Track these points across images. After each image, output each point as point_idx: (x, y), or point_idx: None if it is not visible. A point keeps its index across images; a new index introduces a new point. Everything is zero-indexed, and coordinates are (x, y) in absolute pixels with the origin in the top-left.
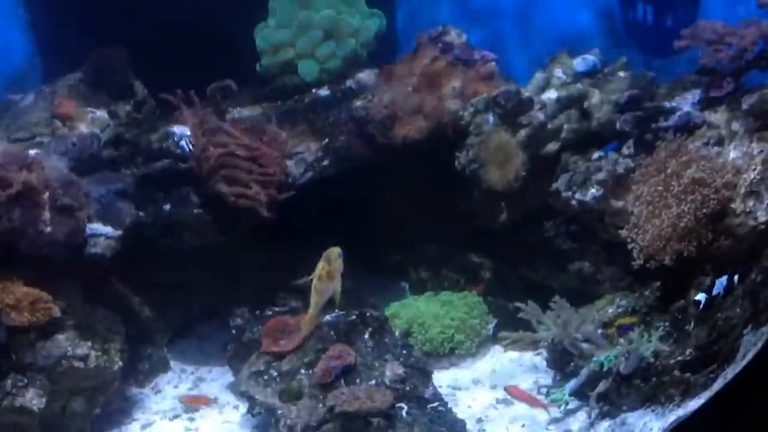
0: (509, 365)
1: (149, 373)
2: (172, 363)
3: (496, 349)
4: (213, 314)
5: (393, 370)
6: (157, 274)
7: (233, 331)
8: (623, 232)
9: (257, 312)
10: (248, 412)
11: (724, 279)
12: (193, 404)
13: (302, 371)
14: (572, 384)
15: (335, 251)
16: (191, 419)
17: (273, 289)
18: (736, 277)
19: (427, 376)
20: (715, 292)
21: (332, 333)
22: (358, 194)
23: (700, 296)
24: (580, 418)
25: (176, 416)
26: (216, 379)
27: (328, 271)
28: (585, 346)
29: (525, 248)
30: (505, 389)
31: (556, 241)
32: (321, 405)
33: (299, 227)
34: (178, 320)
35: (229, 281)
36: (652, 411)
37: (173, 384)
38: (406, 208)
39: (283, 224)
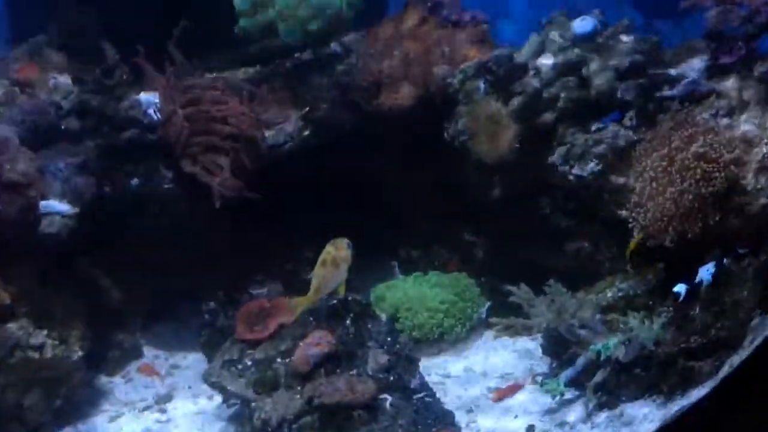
0: (502, 351)
1: (120, 360)
2: (145, 349)
3: (489, 335)
4: (189, 296)
5: (376, 358)
6: (128, 255)
7: (206, 316)
8: (624, 212)
9: (233, 295)
10: (223, 402)
11: (710, 266)
12: (148, 373)
13: (278, 360)
14: (568, 373)
15: (343, 240)
16: (162, 411)
17: (251, 269)
18: (726, 261)
19: (413, 364)
20: (698, 280)
21: (311, 318)
22: (343, 167)
23: (679, 287)
24: (576, 409)
25: (147, 407)
26: (191, 366)
27: (334, 257)
28: (582, 332)
29: (520, 226)
30: (492, 399)
31: (552, 218)
32: (298, 396)
33: (279, 202)
34: (152, 303)
35: (206, 261)
36: (653, 401)
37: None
38: (395, 182)
39: (261, 199)
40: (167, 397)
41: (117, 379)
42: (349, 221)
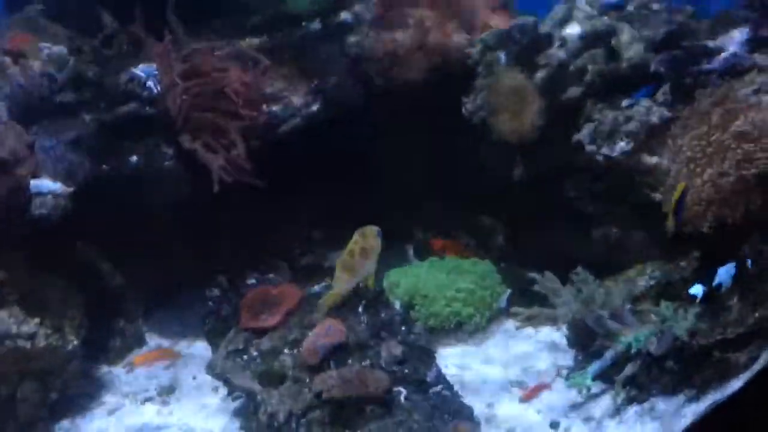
0: (524, 343)
1: (121, 349)
2: (148, 337)
3: (510, 324)
4: (194, 281)
5: (390, 349)
6: (128, 237)
7: (210, 303)
8: (657, 195)
9: (237, 281)
10: (228, 394)
11: (730, 267)
12: (147, 362)
13: (286, 351)
14: (596, 366)
15: (372, 229)
16: (165, 403)
17: (257, 252)
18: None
19: (429, 355)
20: (717, 282)
21: None
22: (353, 144)
23: (696, 289)
24: (603, 404)
25: (149, 399)
26: (196, 356)
27: (363, 247)
28: (611, 324)
29: (543, 210)
30: (519, 399)
31: (578, 202)
32: (307, 390)
33: (285, 182)
34: (154, 288)
35: (210, 243)
36: (686, 395)
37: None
38: (410, 162)
39: (267, 178)
40: (170, 389)
41: (118, 369)
42: (360, 202)
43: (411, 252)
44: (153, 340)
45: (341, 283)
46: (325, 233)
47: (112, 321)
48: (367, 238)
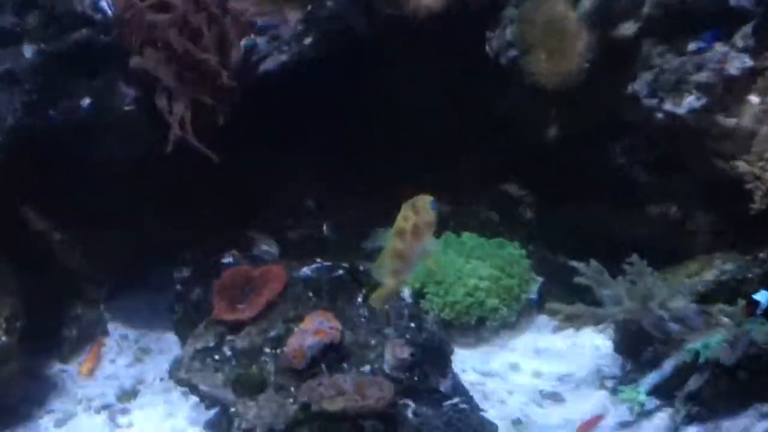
0: (560, 344)
1: (78, 341)
2: (110, 327)
3: (542, 321)
4: (166, 257)
5: (395, 351)
6: (85, 204)
7: (177, 287)
8: (739, 165)
9: (213, 257)
10: (201, 401)
11: None
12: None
13: (266, 350)
14: (652, 378)
15: (426, 199)
16: (124, 411)
17: (239, 222)
18: None
19: (444, 358)
20: None
21: (310, 294)
22: (353, 89)
23: (762, 295)
24: (658, 423)
25: (106, 406)
26: (165, 351)
27: (416, 224)
28: (674, 327)
29: (583, 178)
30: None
31: (629, 170)
32: (291, 400)
33: (272, 135)
34: (119, 266)
35: (184, 211)
36: (760, 413)
37: (109, 357)
38: (420, 114)
39: (249, 130)
40: (132, 393)
41: (72, 367)
42: (362, 162)
43: None
44: (117, 330)
45: (392, 275)
46: (320, 200)
47: (66, 306)
48: (421, 213)
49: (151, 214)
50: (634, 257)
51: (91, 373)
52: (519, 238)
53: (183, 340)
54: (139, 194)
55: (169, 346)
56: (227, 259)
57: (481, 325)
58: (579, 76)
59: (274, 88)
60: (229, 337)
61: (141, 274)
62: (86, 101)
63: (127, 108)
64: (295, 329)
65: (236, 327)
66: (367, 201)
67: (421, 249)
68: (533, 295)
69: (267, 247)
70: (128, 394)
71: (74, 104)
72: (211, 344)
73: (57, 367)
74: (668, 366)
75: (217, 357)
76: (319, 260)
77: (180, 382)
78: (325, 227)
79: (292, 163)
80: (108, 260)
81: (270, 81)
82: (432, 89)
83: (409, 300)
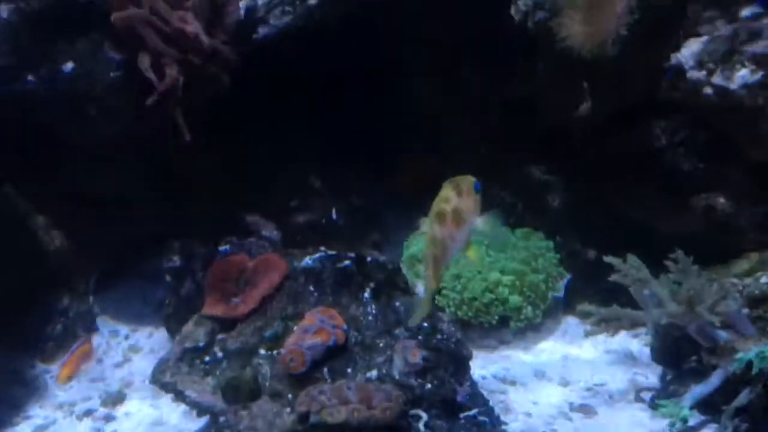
0: (590, 349)
1: (63, 338)
2: (99, 321)
3: (570, 322)
4: (159, 243)
5: (406, 354)
6: (71, 184)
7: (167, 278)
8: None
9: (206, 246)
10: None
11: None
12: (73, 368)
13: (261, 351)
14: (697, 391)
15: (468, 180)
16: (109, 418)
17: (236, 205)
18: None
19: (462, 363)
20: None
21: (311, 288)
22: (362, 60)
23: None
24: None
25: (89, 412)
26: (157, 349)
27: (456, 208)
28: (723, 334)
29: (618, 164)
30: None
31: (671, 155)
32: (288, 410)
33: (272, 110)
34: (111, 254)
35: (178, 193)
36: None
37: (96, 356)
38: (437, 86)
39: (248, 103)
40: (118, 397)
41: (55, 367)
42: (372, 142)
43: None
44: (106, 325)
45: (432, 263)
46: (326, 181)
47: (51, 298)
48: (461, 195)
49: (141, 196)
50: (679, 254)
51: (68, 379)
52: (545, 229)
53: (174, 337)
54: (129, 174)
55: (161, 343)
56: (223, 247)
57: (503, 325)
58: (617, 43)
59: (277, 55)
60: (220, 336)
61: (133, 262)
62: (68, 66)
63: (113, 74)
64: (295, 328)
65: (229, 324)
66: (379, 182)
67: (462, 236)
68: (561, 293)
69: (267, 233)
70: (114, 399)
71: (55, 69)
72: (201, 344)
73: (39, 367)
74: (716, 378)
75: (207, 358)
76: (323, 249)
77: (165, 387)
78: (333, 211)
79: (297, 139)
80: (96, 247)
81: (271, 47)
82: (451, 58)
83: (422, 295)
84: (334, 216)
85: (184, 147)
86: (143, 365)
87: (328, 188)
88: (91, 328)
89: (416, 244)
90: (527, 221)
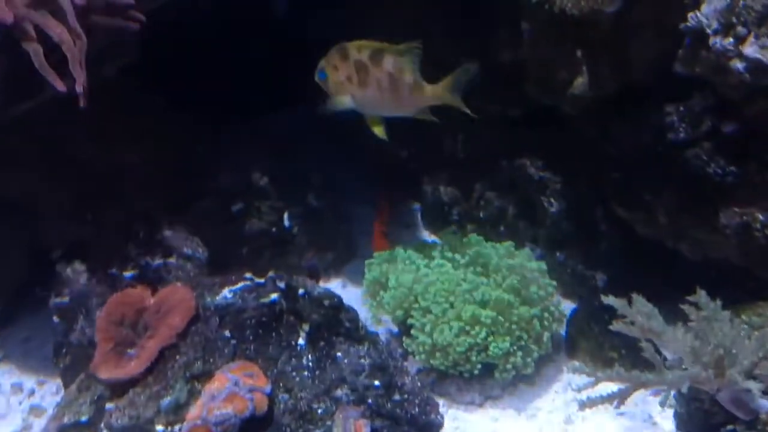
0: (600, 412)
1: None
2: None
3: (574, 369)
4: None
5: (348, 426)
6: None
7: (54, 319)
8: None
9: (109, 270)
10: None
11: None
12: None
13: (159, 429)
14: None
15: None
16: None
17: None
18: None
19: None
20: None
21: (227, 333)
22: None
23: None
24: None
25: None
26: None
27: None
28: (765, 403)
29: (622, 162)
30: None
31: (690, 154)
32: None
33: (195, 77)
34: (14, 275)
35: (92, 189)
36: None
37: None
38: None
39: (172, 79)
40: None
41: None
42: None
43: (419, 215)
44: (10, 377)
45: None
46: (274, 176)
47: None
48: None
49: (46, 196)
50: (701, 295)
51: None
52: (539, 241)
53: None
54: (25, 166)
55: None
56: (129, 273)
57: (487, 376)
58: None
59: (198, 17)
60: (109, 405)
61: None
62: None
63: None
64: (203, 391)
65: (121, 387)
66: (348, 173)
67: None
68: (562, 331)
69: (189, 250)
70: None
71: None
72: (84, 418)
73: None
74: None
75: None
76: (249, 276)
77: None
78: (286, 217)
79: (238, 126)
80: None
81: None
82: (419, 25)
83: (377, 336)
84: (286, 223)
85: (100, 138)
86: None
87: (277, 186)
88: None
89: (377, 267)
90: (521, 231)
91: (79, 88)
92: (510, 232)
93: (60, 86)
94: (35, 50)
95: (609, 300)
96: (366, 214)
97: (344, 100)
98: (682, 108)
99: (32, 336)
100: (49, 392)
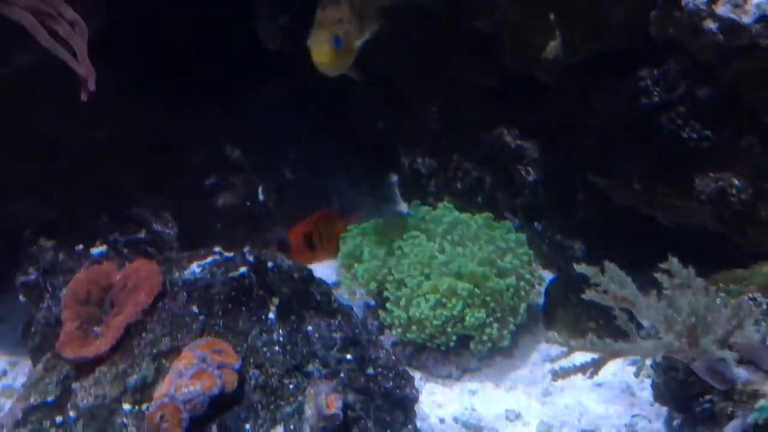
0: (579, 382)
1: None
2: None
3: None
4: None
5: (319, 402)
6: None
7: (21, 297)
8: None
9: (77, 247)
10: None
11: None
12: None
13: (125, 407)
14: None
15: None
16: None
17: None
18: None
19: (404, 410)
20: None
21: (195, 309)
22: None
23: None
24: None
25: None
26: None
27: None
28: (741, 373)
29: (601, 126)
30: None
31: (665, 119)
32: None
33: (176, 57)
34: None
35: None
36: None
37: None
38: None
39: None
40: None
41: None
42: (304, 93)
43: (395, 186)
44: None
45: None
46: (248, 150)
47: None
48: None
49: (20, 175)
50: (673, 263)
51: None
52: (522, 212)
53: None
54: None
55: None
56: (98, 250)
57: (464, 347)
58: None
59: None
60: (75, 385)
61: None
62: None
63: None
64: (171, 369)
65: (87, 366)
66: (324, 145)
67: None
68: (541, 301)
69: (159, 227)
70: None
71: None
72: (50, 398)
73: None
74: (731, 430)
75: (58, 419)
76: (218, 250)
77: None
78: (260, 191)
79: (206, 98)
80: None
81: None
82: None
83: (350, 309)
84: (260, 197)
85: (71, 115)
86: None
87: (251, 162)
88: None
89: (352, 240)
90: (499, 202)
91: (91, 83)
92: (488, 202)
93: (83, 72)
94: (32, 23)
95: (582, 268)
96: (344, 187)
97: None
98: (656, 72)
99: (5, 317)
100: (21, 373)
